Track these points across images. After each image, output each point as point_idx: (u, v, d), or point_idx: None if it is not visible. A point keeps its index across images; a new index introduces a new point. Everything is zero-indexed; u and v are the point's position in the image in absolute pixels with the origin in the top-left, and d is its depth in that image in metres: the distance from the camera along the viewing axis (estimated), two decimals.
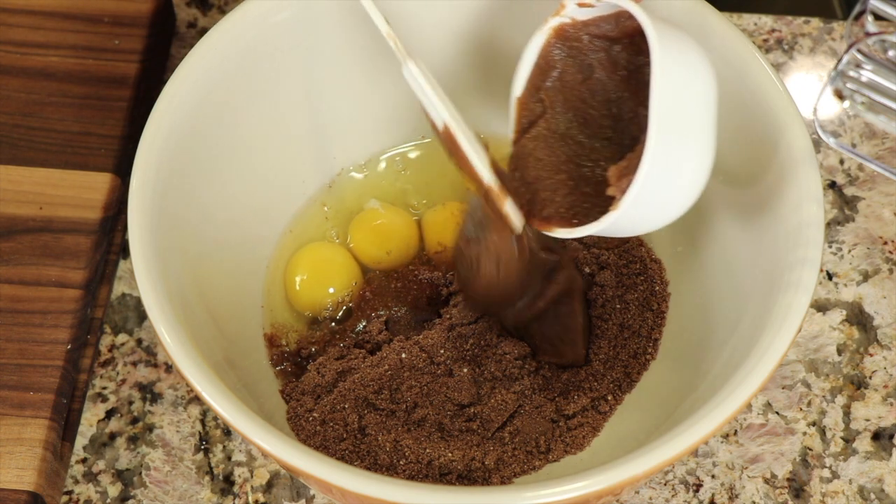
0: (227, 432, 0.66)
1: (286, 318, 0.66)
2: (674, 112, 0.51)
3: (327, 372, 0.62)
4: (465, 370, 0.62)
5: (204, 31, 0.78)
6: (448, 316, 0.64)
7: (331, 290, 0.66)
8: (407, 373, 0.61)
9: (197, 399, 0.67)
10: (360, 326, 0.65)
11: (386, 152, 0.71)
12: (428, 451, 0.59)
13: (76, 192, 0.70)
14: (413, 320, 0.65)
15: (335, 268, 0.67)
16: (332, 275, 0.66)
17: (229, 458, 0.65)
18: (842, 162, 0.75)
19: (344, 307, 0.66)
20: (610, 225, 0.53)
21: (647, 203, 0.53)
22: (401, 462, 0.59)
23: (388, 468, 0.59)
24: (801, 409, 0.67)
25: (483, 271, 0.60)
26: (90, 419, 0.66)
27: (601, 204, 0.54)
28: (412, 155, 0.72)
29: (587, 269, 0.65)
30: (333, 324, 0.66)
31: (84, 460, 0.65)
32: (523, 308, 0.62)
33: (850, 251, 0.71)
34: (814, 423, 0.66)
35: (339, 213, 0.70)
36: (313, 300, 0.66)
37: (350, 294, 0.66)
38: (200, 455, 0.65)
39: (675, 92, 0.51)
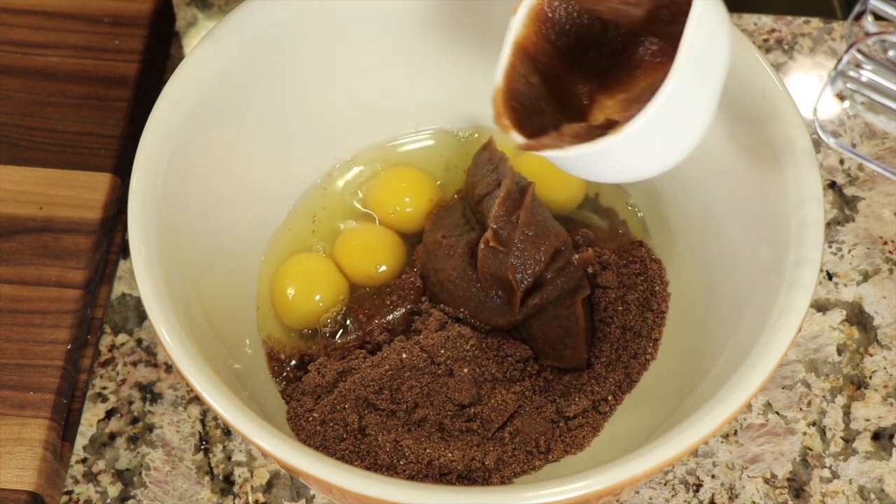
0: (227, 432, 0.66)
1: (282, 327, 0.66)
2: (701, 53, 0.50)
3: (328, 372, 0.62)
4: (466, 370, 0.62)
5: (204, 31, 0.78)
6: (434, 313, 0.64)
7: (317, 298, 0.65)
8: (407, 373, 0.61)
9: (197, 399, 0.67)
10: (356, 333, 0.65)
11: (378, 149, 0.71)
12: (428, 451, 0.59)
13: (76, 192, 0.70)
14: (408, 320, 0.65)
15: (320, 280, 0.66)
16: (317, 286, 0.65)
17: (229, 458, 0.65)
18: (842, 162, 0.75)
19: (340, 328, 0.65)
20: (605, 149, 0.51)
21: (649, 138, 0.51)
22: (401, 462, 0.59)
23: (388, 468, 0.59)
24: (801, 409, 0.67)
25: (455, 260, 0.62)
26: (90, 419, 0.66)
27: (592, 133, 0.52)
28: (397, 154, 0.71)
29: (589, 269, 0.65)
30: (337, 339, 0.65)
31: (84, 460, 0.65)
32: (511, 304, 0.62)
33: (850, 251, 0.71)
34: (814, 423, 0.66)
35: (331, 214, 0.69)
36: (304, 314, 0.65)
37: (341, 308, 0.66)
38: (200, 455, 0.65)
39: (706, 35, 0.50)
